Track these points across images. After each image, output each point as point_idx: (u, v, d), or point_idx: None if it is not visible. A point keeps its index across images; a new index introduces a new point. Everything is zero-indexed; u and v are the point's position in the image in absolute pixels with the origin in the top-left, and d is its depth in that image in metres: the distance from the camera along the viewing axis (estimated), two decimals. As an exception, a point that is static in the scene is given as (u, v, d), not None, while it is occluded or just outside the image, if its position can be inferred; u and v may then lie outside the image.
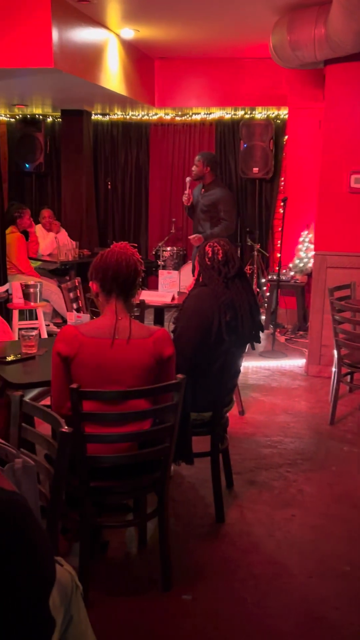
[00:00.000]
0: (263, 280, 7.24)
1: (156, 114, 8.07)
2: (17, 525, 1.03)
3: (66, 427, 2.06)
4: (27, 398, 2.37)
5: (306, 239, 6.89)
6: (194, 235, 6.10)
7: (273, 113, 7.53)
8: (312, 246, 6.56)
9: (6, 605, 0.98)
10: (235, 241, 7.64)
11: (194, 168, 6.19)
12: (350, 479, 3.69)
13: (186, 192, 6.18)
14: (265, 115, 7.54)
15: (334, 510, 3.33)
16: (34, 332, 3.31)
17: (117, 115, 8.25)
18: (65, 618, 1.56)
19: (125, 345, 2.49)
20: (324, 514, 3.28)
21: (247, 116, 7.64)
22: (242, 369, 3.40)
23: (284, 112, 7.38)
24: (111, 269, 2.52)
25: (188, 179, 6.26)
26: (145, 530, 3.01)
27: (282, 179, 7.45)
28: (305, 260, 6.81)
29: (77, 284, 5.07)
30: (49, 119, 8.40)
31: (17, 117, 8.36)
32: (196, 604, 2.58)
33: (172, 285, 4.95)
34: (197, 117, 7.96)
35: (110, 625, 2.45)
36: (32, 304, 5.51)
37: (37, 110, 8.21)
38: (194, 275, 3.30)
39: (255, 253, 7.22)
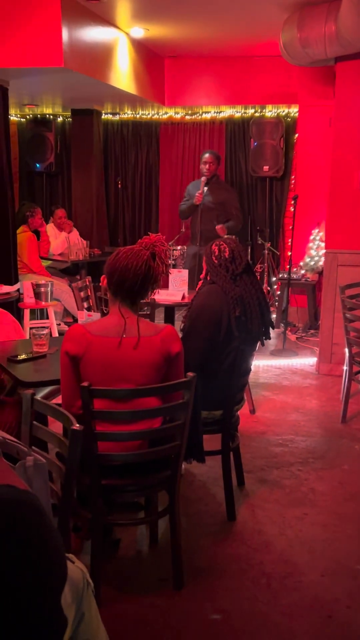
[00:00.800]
0: (274, 279, 7.22)
1: (166, 113, 8.07)
2: (30, 525, 1.03)
3: (77, 425, 2.06)
4: (38, 396, 2.38)
5: (317, 237, 6.86)
6: (220, 226, 6.32)
7: (283, 111, 7.50)
8: (322, 244, 6.54)
9: (18, 604, 0.98)
10: (245, 239, 7.64)
11: (207, 167, 6.22)
12: (362, 477, 3.67)
13: (200, 192, 6.22)
14: (276, 114, 7.52)
15: (345, 509, 3.32)
16: (45, 331, 3.32)
17: (127, 114, 8.26)
18: (77, 615, 1.56)
19: (133, 344, 2.49)
20: (336, 513, 3.27)
21: (257, 114, 7.62)
22: (252, 367, 3.40)
23: (294, 110, 7.35)
24: (117, 274, 2.51)
25: (204, 179, 6.29)
26: (157, 528, 3.01)
27: (293, 177, 7.43)
28: (316, 258, 6.78)
29: (87, 283, 5.09)
30: (59, 119, 8.42)
31: (28, 117, 8.39)
32: (208, 602, 2.58)
33: (182, 283, 4.95)
34: (207, 116, 7.95)
35: (122, 622, 2.45)
36: (43, 303, 5.53)
37: (48, 110, 8.23)
38: (201, 275, 3.31)
39: (266, 251, 7.20)
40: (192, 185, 6.68)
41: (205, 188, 6.28)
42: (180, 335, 2.74)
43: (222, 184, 6.59)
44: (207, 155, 6.38)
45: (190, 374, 2.51)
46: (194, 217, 6.44)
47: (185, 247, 6.98)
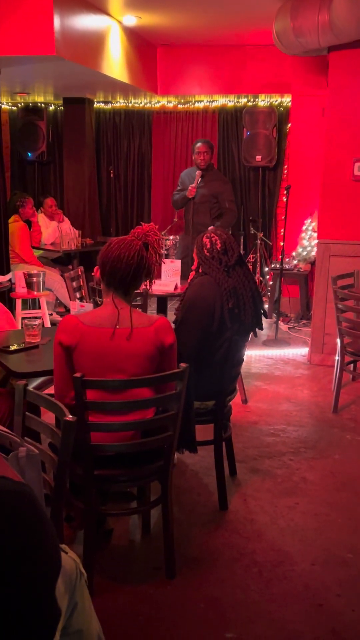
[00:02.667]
0: (266, 269, 7.23)
1: (159, 102, 8.03)
2: (24, 516, 1.04)
3: (70, 416, 2.06)
4: (30, 387, 2.38)
5: (309, 227, 6.87)
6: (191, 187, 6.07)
7: (276, 100, 7.48)
8: (315, 234, 6.54)
9: (12, 595, 0.99)
10: (238, 230, 7.63)
11: (202, 157, 6.13)
12: (353, 467, 3.70)
13: (194, 185, 6.13)
14: (269, 103, 7.50)
15: (336, 498, 3.34)
16: (38, 322, 3.32)
17: (120, 103, 8.21)
18: (70, 605, 1.58)
19: (127, 335, 2.49)
20: (327, 502, 3.30)
21: (250, 104, 7.60)
22: (245, 357, 3.40)
23: (287, 100, 7.33)
24: (110, 264, 2.51)
25: (198, 172, 6.22)
26: (149, 518, 3.03)
27: (286, 167, 7.42)
28: (309, 248, 6.79)
29: (80, 273, 5.07)
30: (51, 107, 8.36)
31: (19, 105, 8.33)
32: (200, 591, 2.60)
33: (175, 274, 4.95)
34: (200, 105, 7.92)
35: (115, 612, 2.47)
36: (35, 293, 5.52)
37: (39, 99, 8.17)
38: (193, 267, 3.31)
39: (259, 241, 7.20)
40: (185, 174, 6.53)
41: (200, 179, 6.22)
42: (173, 326, 2.74)
43: (217, 174, 6.46)
44: (199, 144, 6.22)
45: (183, 364, 2.52)
46: (187, 208, 6.34)
47: (178, 237, 6.98)
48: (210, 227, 3.43)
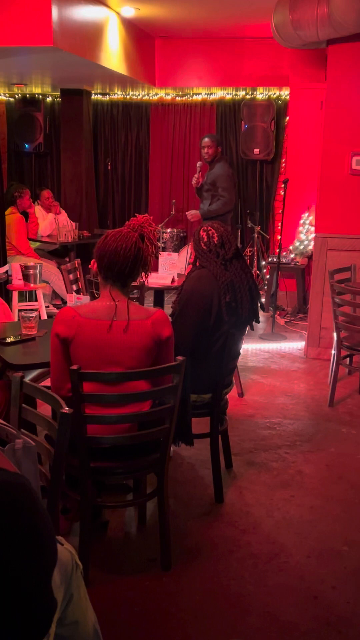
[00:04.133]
0: (263, 263, 7.23)
1: (157, 94, 8.00)
2: (21, 508, 1.04)
3: (66, 408, 2.07)
4: (27, 379, 2.38)
5: (307, 221, 6.86)
6: (190, 211, 6.25)
7: (274, 94, 7.46)
8: (312, 228, 6.54)
9: (9, 587, 0.99)
10: (235, 223, 7.63)
11: (205, 151, 6.17)
12: (348, 460, 3.71)
13: (196, 175, 6.22)
14: (267, 96, 7.48)
15: (332, 491, 3.36)
16: (34, 314, 3.31)
17: (117, 95, 8.18)
18: (66, 596, 1.58)
19: (124, 327, 2.49)
20: (322, 495, 3.31)
21: (248, 97, 7.58)
22: (241, 351, 3.41)
23: (285, 93, 7.31)
24: (107, 257, 2.50)
25: (199, 163, 6.28)
26: (145, 510, 3.04)
27: (283, 160, 7.41)
28: (306, 242, 6.79)
29: (76, 266, 5.06)
30: (49, 99, 8.33)
31: (17, 96, 8.29)
32: (195, 582, 2.61)
33: (172, 267, 4.94)
34: (198, 98, 7.89)
35: (110, 603, 2.48)
36: (31, 285, 5.51)
37: (37, 90, 8.14)
38: (190, 260, 3.30)
39: (256, 235, 7.20)
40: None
41: (200, 174, 6.32)
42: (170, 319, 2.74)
43: (221, 164, 6.43)
44: (205, 139, 6.28)
45: (179, 357, 2.52)
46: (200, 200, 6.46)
47: (176, 230, 7.00)
48: (208, 221, 3.43)
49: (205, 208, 6.12)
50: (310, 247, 6.56)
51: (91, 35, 5.56)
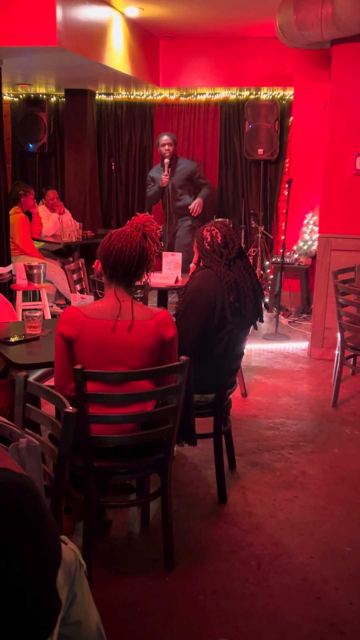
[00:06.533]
0: (267, 263, 7.22)
1: (160, 94, 8.00)
2: (26, 508, 1.04)
3: (70, 408, 2.07)
4: (31, 379, 2.38)
5: (310, 221, 6.86)
6: (194, 204, 6.67)
7: (278, 94, 7.45)
8: (316, 228, 6.53)
9: (14, 587, 0.99)
10: (239, 223, 7.62)
11: (166, 148, 6.61)
12: (351, 461, 3.71)
13: (165, 174, 6.57)
14: (271, 96, 7.47)
15: (335, 491, 3.35)
16: (38, 313, 3.32)
17: (121, 95, 8.18)
18: (69, 596, 1.58)
19: (128, 327, 2.49)
20: (326, 496, 3.31)
21: (252, 97, 7.57)
22: (245, 351, 3.41)
23: (289, 93, 7.30)
24: (112, 258, 2.50)
25: (167, 160, 6.60)
26: (148, 510, 3.04)
27: (287, 160, 7.40)
28: (310, 242, 6.78)
29: (80, 265, 5.07)
30: (53, 99, 8.33)
31: (21, 96, 8.30)
32: (198, 583, 2.61)
33: (175, 266, 4.94)
34: (202, 98, 7.89)
35: (113, 603, 2.48)
36: (35, 285, 5.51)
37: (41, 90, 8.14)
38: (194, 261, 3.30)
39: (260, 235, 7.19)
40: (153, 171, 6.92)
41: (169, 169, 6.56)
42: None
43: (182, 160, 6.88)
44: (165, 137, 6.67)
45: (183, 357, 2.52)
46: (163, 199, 6.75)
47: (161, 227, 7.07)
48: (211, 220, 3.44)
49: (202, 195, 6.69)
50: (314, 247, 6.55)
51: (95, 36, 5.56)
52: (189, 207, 6.70)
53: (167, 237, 6.71)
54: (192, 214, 6.70)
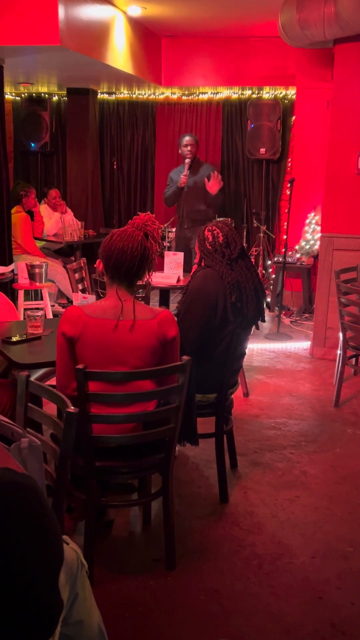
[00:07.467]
0: (269, 262, 7.22)
1: (163, 93, 8.00)
2: (28, 508, 1.04)
3: (72, 407, 2.07)
4: (32, 378, 2.38)
5: (313, 220, 6.85)
6: (212, 184, 6.33)
7: (281, 93, 7.45)
8: (318, 228, 6.53)
9: (16, 587, 0.99)
10: (241, 222, 7.62)
11: (189, 149, 6.40)
12: (353, 461, 3.70)
13: (185, 173, 6.32)
14: (273, 95, 7.47)
15: (337, 491, 3.35)
16: (40, 313, 3.32)
17: (124, 94, 8.18)
18: (71, 595, 1.58)
19: (130, 327, 2.49)
20: (327, 496, 3.30)
21: (254, 96, 7.57)
22: (247, 351, 3.40)
23: (291, 92, 7.30)
24: (114, 257, 2.50)
25: (187, 160, 6.35)
26: (150, 509, 3.04)
27: (289, 159, 7.40)
28: (312, 242, 6.78)
29: (82, 265, 5.07)
30: (55, 98, 8.33)
31: (23, 95, 8.30)
32: (199, 582, 2.61)
33: (177, 266, 4.94)
34: (204, 97, 7.89)
35: (115, 602, 2.48)
36: (37, 284, 5.51)
37: (43, 89, 8.14)
38: (195, 260, 3.30)
39: (262, 234, 7.19)
40: (174, 172, 6.75)
41: (189, 170, 6.41)
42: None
43: (201, 163, 6.71)
44: (187, 138, 6.50)
45: (185, 357, 2.52)
46: (178, 201, 6.59)
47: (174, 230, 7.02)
48: (213, 220, 3.43)
49: (206, 207, 6.47)
50: (316, 246, 6.54)
51: (98, 35, 5.56)
52: (210, 182, 6.32)
53: (176, 240, 6.57)
54: (211, 191, 6.32)
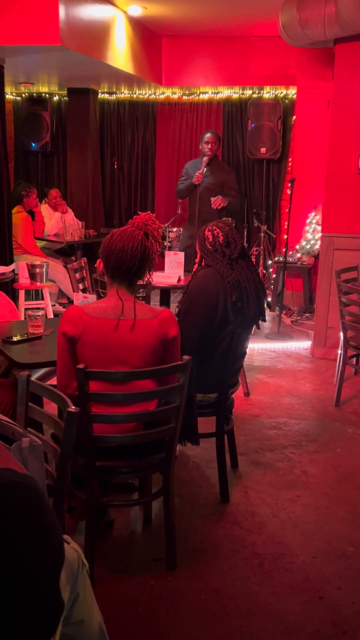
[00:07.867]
0: (269, 262, 7.22)
1: (163, 93, 8.00)
2: (30, 508, 1.04)
3: (73, 407, 2.07)
4: (33, 378, 2.38)
5: (313, 220, 6.85)
6: (218, 197, 6.21)
7: (281, 93, 7.45)
8: (319, 228, 6.53)
9: (17, 587, 0.99)
10: (242, 222, 7.62)
11: (210, 147, 6.21)
12: (354, 460, 3.70)
13: (201, 171, 6.18)
14: (274, 95, 7.47)
15: (338, 491, 3.35)
16: (41, 312, 3.32)
17: (124, 94, 8.18)
18: (72, 595, 1.58)
19: (130, 326, 2.49)
20: (328, 495, 3.30)
21: (255, 96, 7.57)
22: (247, 350, 3.40)
23: (292, 92, 7.30)
24: (114, 257, 2.50)
25: (205, 158, 6.25)
26: (151, 509, 3.04)
27: (290, 159, 7.40)
28: (312, 241, 6.78)
29: (83, 265, 5.07)
30: (56, 98, 8.33)
31: (24, 95, 8.30)
32: (200, 582, 2.61)
33: (178, 266, 4.94)
34: (205, 97, 7.89)
35: (115, 602, 2.48)
36: (38, 284, 5.52)
37: (44, 89, 8.15)
38: (196, 260, 3.30)
39: (262, 234, 7.19)
40: (190, 165, 6.55)
41: (206, 168, 6.26)
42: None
43: (221, 164, 6.58)
44: (209, 134, 6.31)
45: (186, 357, 2.52)
46: (192, 197, 6.41)
47: (182, 229, 6.97)
48: (214, 220, 3.42)
49: (217, 211, 6.21)
50: (317, 246, 6.54)
51: (98, 34, 5.56)
52: (214, 199, 6.22)
53: (184, 237, 6.46)
54: (212, 205, 6.22)
